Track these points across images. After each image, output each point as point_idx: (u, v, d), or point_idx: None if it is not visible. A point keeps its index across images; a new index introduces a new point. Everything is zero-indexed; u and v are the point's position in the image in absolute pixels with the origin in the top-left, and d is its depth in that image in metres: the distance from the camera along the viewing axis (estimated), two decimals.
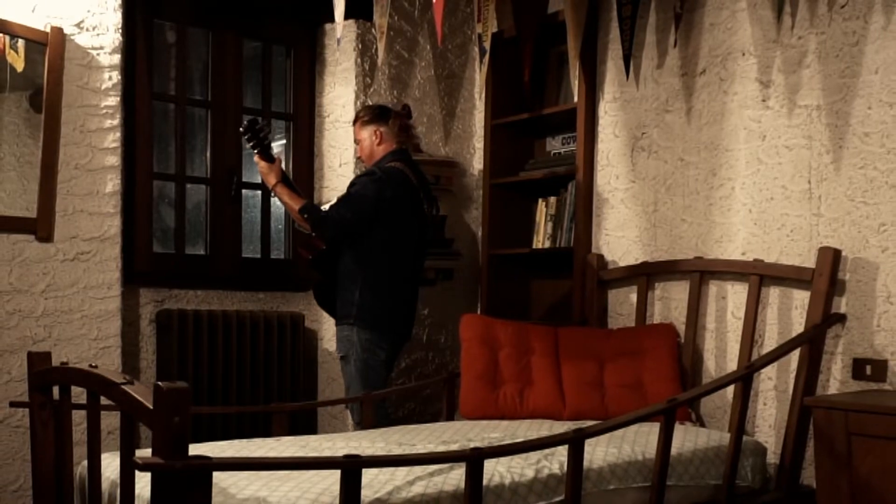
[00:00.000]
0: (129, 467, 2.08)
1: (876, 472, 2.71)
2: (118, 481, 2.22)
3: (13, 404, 2.99)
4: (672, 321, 3.85)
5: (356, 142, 3.94)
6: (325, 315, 4.35)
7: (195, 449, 1.85)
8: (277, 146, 4.60)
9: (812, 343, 3.24)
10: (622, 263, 4.09)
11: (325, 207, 3.82)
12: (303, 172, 4.58)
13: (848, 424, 2.76)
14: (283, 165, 3.80)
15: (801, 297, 3.40)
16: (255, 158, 3.73)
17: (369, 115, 3.88)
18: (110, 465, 2.45)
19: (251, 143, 3.68)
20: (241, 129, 3.78)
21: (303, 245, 3.86)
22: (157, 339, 4.11)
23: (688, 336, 3.74)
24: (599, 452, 2.85)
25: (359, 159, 4.11)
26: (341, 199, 3.75)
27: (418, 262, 3.89)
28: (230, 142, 4.36)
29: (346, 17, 3.88)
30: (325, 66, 4.63)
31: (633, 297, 4.01)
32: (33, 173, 3.62)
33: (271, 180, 3.72)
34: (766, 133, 3.55)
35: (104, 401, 2.23)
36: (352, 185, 3.77)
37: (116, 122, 3.81)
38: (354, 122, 3.94)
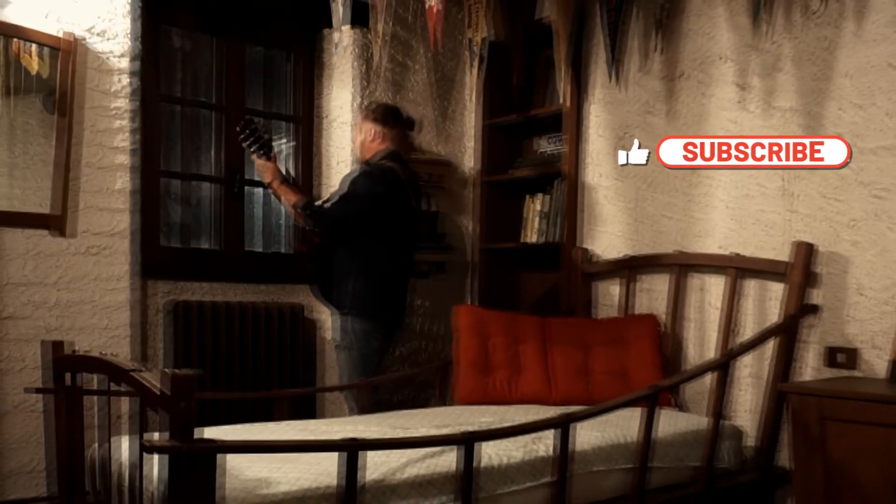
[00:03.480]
0: (139, 450, 2.07)
1: (848, 455, 2.71)
2: (128, 463, 2.21)
3: (27, 390, 2.98)
4: (654, 312, 3.85)
5: (360, 132, 3.89)
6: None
7: (202, 433, 1.84)
8: (283, 145, 4.58)
9: (787, 332, 3.24)
10: (607, 257, 4.09)
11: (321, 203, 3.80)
12: (304, 171, 4.56)
13: (822, 409, 2.76)
14: (283, 165, 3.76)
15: (776, 289, 3.40)
16: (253, 157, 3.71)
17: (375, 114, 3.83)
18: (121, 447, 2.44)
19: (247, 142, 3.65)
20: (237, 128, 3.73)
21: (300, 239, 3.84)
22: (165, 329, 4.09)
23: (669, 326, 3.74)
24: (586, 436, 2.85)
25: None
26: (337, 196, 3.73)
27: (409, 255, 3.88)
28: (234, 141, 4.32)
29: (345, 23, 3.86)
30: (325, 69, 4.61)
31: (618, 288, 4.01)
32: (46, 171, 3.59)
33: (267, 178, 3.70)
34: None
35: (116, 387, 2.22)
36: (348, 182, 3.75)
37: (126, 122, 3.79)
38: (362, 115, 3.90)
